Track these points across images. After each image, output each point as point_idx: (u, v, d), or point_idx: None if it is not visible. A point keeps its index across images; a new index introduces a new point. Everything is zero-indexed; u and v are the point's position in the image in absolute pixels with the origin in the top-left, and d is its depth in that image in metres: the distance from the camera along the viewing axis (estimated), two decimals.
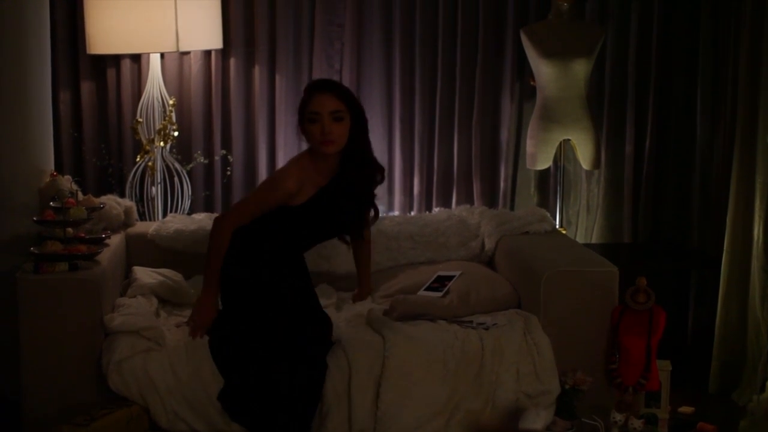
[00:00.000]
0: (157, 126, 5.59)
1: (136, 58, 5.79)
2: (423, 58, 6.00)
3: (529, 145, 5.81)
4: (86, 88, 5.79)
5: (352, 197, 4.17)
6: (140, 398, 4.12)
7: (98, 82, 5.82)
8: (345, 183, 4.11)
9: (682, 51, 6.06)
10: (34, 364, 4.16)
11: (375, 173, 4.20)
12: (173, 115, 5.63)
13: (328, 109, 3.98)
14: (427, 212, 5.80)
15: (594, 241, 6.13)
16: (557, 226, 5.80)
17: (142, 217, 5.64)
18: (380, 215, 4.50)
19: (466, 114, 6.04)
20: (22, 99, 4.83)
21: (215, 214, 5.47)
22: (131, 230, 5.15)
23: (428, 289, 4.74)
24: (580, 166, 5.90)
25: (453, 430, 4.19)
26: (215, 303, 4.22)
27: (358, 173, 4.12)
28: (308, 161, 4.12)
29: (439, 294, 4.65)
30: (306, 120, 4.03)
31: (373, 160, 4.19)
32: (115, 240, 4.84)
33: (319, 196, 4.10)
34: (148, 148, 5.60)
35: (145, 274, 4.81)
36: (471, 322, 4.49)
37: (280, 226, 4.13)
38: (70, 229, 4.43)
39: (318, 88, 4.06)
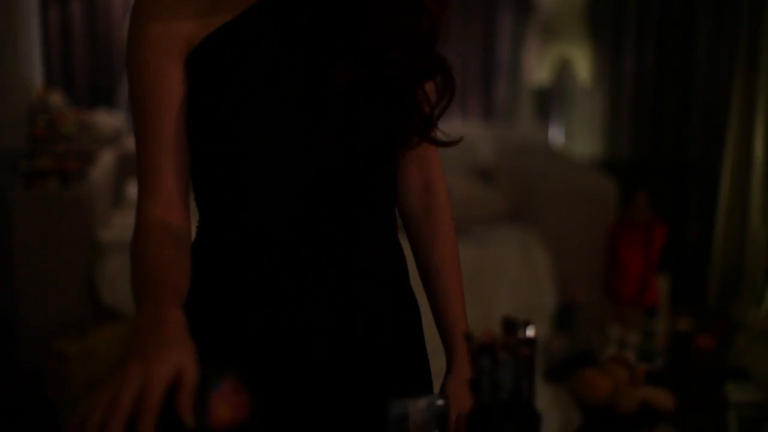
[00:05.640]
0: None
1: None
2: None
3: (528, 61, 5.74)
4: (76, 3, 5.69)
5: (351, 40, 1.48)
6: (134, 312, 4.08)
7: None
8: None
9: None
10: (29, 281, 4.13)
11: None
12: None
13: None
14: None
15: (593, 157, 6.08)
16: (556, 143, 5.74)
17: None
18: None
19: (463, 29, 5.95)
20: (7, 14, 4.74)
21: None
22: (126, 145, 5.08)
23: None
24: (580, 82, 5.83)
25: None
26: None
27: None
28: None
29: None
30: None
31: None
32: (107, 155, 4.77)
33: (252, 17, 1.49)
34: None
35: None
36: (466, 235, 4.46)
37: (208, 144, 1.50)
38: (60, 145, 4.36)
39: None
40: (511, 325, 1.20)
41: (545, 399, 3.73)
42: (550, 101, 6.07)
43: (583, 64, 5.67)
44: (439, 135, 1.57)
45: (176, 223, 1.47)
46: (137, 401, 1.07)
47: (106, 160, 4.68)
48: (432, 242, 1.66)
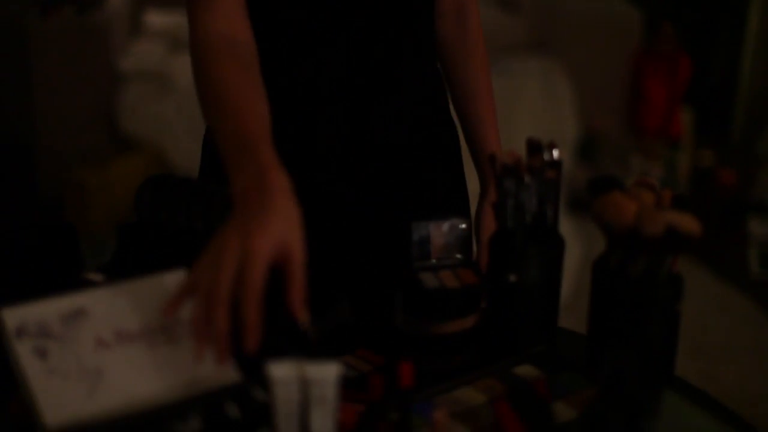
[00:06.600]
0: None
1: None
2: None
3: None
4: None
5: None
6: (154, 142, 4.08)
7: None
8: None
9: None
10: (48, 109, 4.11)
11: None
12: None
13: None
14: None
15: None
16: None
17: None
18: None
19: None
20: None
21: None
22: None
23: None
24: None
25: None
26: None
27: None
28: None
29: None
30: None
31: None
32: None
33: None
34: None
35: (158, 17, 4.67)
36: None
37: None
38: None
39: None
40: (536, 147, 1.17)
41: (568, 229, 3.74)
42: None
43: None
44: None
45: (241, 37, 1.28)
46: (239, 282, 0.94)
47: None
48: (465, 68, 1.59)
